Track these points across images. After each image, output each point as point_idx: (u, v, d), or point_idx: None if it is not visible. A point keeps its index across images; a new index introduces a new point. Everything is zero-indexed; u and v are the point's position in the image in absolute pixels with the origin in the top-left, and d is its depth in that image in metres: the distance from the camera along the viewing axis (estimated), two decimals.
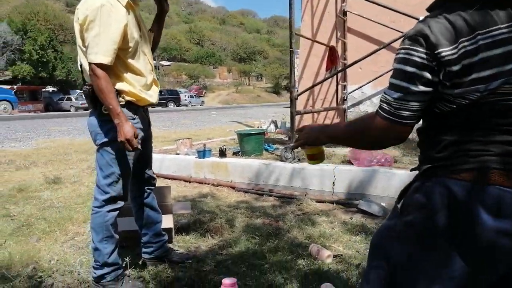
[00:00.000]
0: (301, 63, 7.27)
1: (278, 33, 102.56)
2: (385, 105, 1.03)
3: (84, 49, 1.98)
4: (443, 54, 0.94)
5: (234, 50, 75.17)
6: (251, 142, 5.14)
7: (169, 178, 5.14)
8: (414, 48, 0.97)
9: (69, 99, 33.09)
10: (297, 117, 5.90)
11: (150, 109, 2.39)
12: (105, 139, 2.08)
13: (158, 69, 52.25)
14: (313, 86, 5.59)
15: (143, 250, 2.53)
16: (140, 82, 2.13)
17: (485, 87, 0.94)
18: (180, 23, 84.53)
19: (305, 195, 4.03)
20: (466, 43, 0.94)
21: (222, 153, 4.99)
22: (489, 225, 0.94)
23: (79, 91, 31.87)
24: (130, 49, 2.03)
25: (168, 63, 58.47)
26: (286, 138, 6.83)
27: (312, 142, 1.34)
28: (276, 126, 8.93)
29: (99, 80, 1.91)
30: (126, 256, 2.48)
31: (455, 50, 0.94)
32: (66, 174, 5.57)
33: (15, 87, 31.87)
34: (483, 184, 0.96)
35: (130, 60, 2.05)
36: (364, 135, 1.13)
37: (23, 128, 14.51)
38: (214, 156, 5.13)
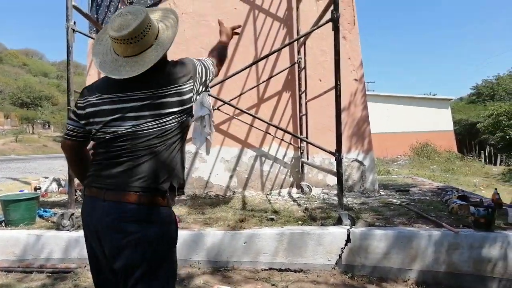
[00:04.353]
0: None
1: None
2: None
3: None
4: (78, 104, 1.64)
5: (14, 94, 65.07)
6: (19, 210, 4.42)
7: None
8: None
9: None
10: None
11: None
12: None
13: None
14: None
15: None
16: None
17: (93, 128, 1.57)
18: None
19: (84, 266, 3.68)
20: (89, 98, 1.60)
21: None
22: (89, 221, 1.55)
23: None
24: None
25: None
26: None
27: None
28: (60, 185, 7.91)
29: None
30: None
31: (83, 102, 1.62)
32: None
33: None
34: (88, 196, 1.57)
35: None
36: None
37: None
38: None
